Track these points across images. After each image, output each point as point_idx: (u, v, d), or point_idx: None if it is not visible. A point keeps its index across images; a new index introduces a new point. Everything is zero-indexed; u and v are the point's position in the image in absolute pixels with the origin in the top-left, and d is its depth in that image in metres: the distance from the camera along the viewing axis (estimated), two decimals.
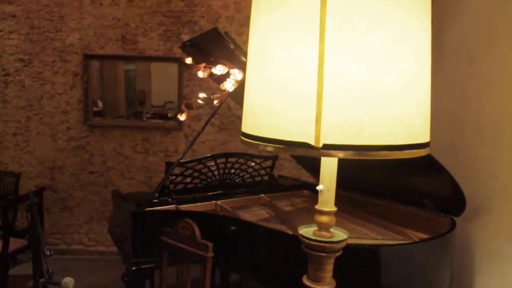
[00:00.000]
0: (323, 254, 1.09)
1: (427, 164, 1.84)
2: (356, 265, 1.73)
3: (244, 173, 2.73)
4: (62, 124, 3.77)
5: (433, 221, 2.08)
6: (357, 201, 2.51)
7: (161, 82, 4.51)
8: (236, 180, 2.72)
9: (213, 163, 2.54)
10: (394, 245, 1.80)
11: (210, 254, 1.68)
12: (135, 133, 3.79)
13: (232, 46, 1.84)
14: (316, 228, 1.13)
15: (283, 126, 0.88)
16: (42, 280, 1.69)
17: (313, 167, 2.89)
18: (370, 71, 0.83)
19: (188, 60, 1.88)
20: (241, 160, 2.65)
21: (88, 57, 3.66)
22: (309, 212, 2.47)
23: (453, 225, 1.94)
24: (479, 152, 2.12)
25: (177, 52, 3.65)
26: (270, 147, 0.92)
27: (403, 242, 1.88)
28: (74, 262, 3.77)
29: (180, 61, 3.63)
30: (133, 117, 4.15)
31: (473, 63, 2.31)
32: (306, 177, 3.60)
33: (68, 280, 1.61)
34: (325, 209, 1.09)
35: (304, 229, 1.14)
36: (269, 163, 2.84)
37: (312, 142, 0.84)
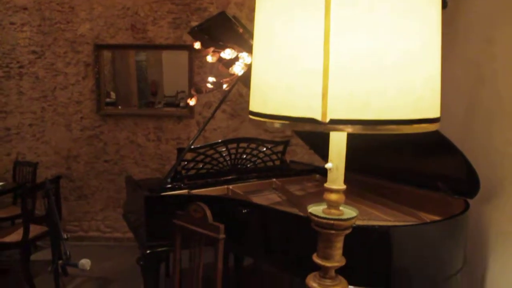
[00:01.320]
0: (332, 232, 1.10)
1: (440, 145, 1.82)
2: (367, 246, 1.74)
3: (256, 158, 2.74)
4: (76, 114, 3.83)
5: (447, 203, 2.06)
6: (369, 184, 2.50)
7: (172, 72, 4.53)
8: (248, 165, 2.74)
9: (225, 149, 2.55)
10: (405, 226, 1.80)
11: (222, 236, 1.70)
12: (147, 122, 3.83)
13: (240, 30, 1.83)
14: (326, 206, 1.14)
15: (290, 102, 0.88)
16: (60, 262, 1.74)
17: (321, 146, 2.89)
18: (376, 44, 0.82)
19: (197, 45, 1.88)
20: (252, 145, 2.67)
21: (99, 47, 3.69)
22: (322, 196, 2.47)
23: (466, 207, 1.92)
24: (495, 133, 2.08)
25: (187, 39, 3.65)
26: (277, 124, 0.92)
27: (413, 223, 1.87)
28: (92, 248, 3.87)
29: (190, 49, 3.63)
30: (146, 108, 4.19)
31: (490, 43, 2.25)
32: (319, 162, 3.59)
33: (85, 261, 1.66)
34: (334, 187, 1.10)
35: (314, 208, 1.15)
36: (280, 148, 2.85)
37: (319, 117, 0.85)
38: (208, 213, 1.75)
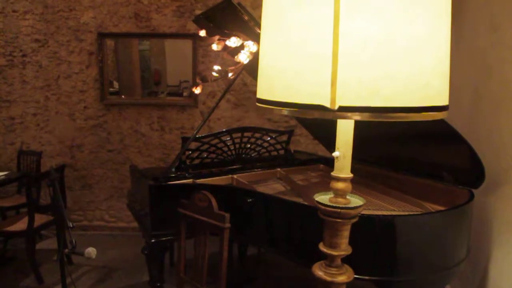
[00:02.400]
0: (339, 220, 1.09)
1: (446, 135, 1.80)
2: (372, 235, 1.74)
3: (260, 148, 2.74)
4: (79, 103, 3.83)
5: (451, 194, 2.06)
6: (374, 174, 2.50)
7: (175, 61, 4.51)
8: (252, 155, 2.73)
9: (229, 138, 2.55)
10: (409, 215, 1.79)
11: (227, 225, 1.70)
12: (151, 111, 3.82)
13: (246, 17, 1.81)
14: (332, 195, 1.13)
15: (298, 89, 0.87)
16: (66, 250, 1.75)
17: (325, 135, 2.88)
18: (384, 30, 0.81)
19: (202, 33, 1.86)
20: (257, 135, 2.66)
21: (102, 36, 3.67)
22: (326, 186, 2.47)
23: (471, 197, 1.91)
24: (501, 123, 2.06)
25: (191, 28, 3.62)
26: (285, 111, 0.91)
27: (418, 213, 1.86)
28: (96, 237, 3.90)
29: (194, 37, 3.60)
30: (149, 97, 4.18)
31: (496, 30, 2.21)
32: (323, 152, 3.58)
33: (91, 250, 1.67)
34: (341, 175, 1.09)
35: (321, 196, 1.14)
36: (285, 137, 2.84)
37: (327, 104, 0.83)
38: (214, 202, 1.75)
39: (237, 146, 2.61)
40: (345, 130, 1.08)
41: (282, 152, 2.85)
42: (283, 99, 0.91)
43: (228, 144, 2.57)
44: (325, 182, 2.57)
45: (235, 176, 2.49)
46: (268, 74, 0.96)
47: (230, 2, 1.74)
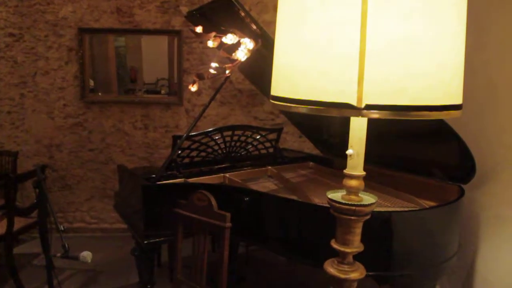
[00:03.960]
0: (353, 218, 1.10)
1: (438, 131, 1.86)
2: (370, 231, 1.76)
3: (250, 146, 2.73)
4: (58, 101, 3.68)
5: (441, 189, 2.12)
6: (367, 171, 2.53)
7: (152, 59, 4.42)
8: (242, 153, 2.72)
9: (219, 136, 2.52)
10: (406, 211, 1.83)
11: (228, 224, 1.69)
12: (134, 109, 3.73)
13: (243, 14, 1.79)
14: (343, 193, 1.14)
15: (323, 87, 0.87)
16: (58, 255, 1.69)
17: (314, 133, 2.90)
18: (410, 30, 0.82)
19: (199, 29, 1.83)
20: (247, 133, 2.64)
21: (83, 31, 3.54)
22: (317, 183, 2.49)
23: (461, 192, 1.97)
24: (487, 122, 2.14)
25: (176, 24, 3.56)
26: (306, 109, 0.90)
27: (414, 209, 1.91)
28: (78, 240, 3.77)
29: (179, 34, 3.54)
30: (126, 95, 4.08)
31: (481, 33, 2.29)
32: (309, 149, 3.62)
33: (86, 254, 1.62)
34: (355, 173, 1.10)
35: (333, 194, 1.14)
36: (274, 135, 2.84)
37: (354, 102, 0.84)
38: (213, 201, 1.73)
39: (228, 144, 2.59)
40: (358, 128, 1.08)
41: (271, 150, 2.85)
42: (305, 97, 0.90)
43: (219, 142, 2.54)
44: (317, 179, 2.59)
45: (227, 175, 2.47)
46: (289, 74, 0.95)
47: None
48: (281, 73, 0.99)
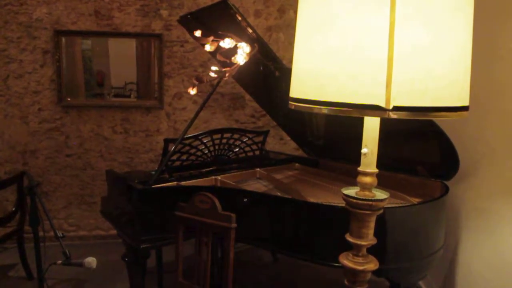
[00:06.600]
0: (368, 212, 1.17)
1: (429, 130, 1.98)
2: None
3: (238, 149, 2.76)
4: (33, 105, 3.54)
5: (424, 186, 2.25)
6: (351, 170, 2.64)
7: (119, 63, 4.32)
8: (230, 156, 2.75)
9: (209, 139, 2.54)
10: (398, 207, 1.94)
11: (233, 225, 1.71)
12: (114, 113, 3.65)
13: (239, 18, 1.83)
14: (356, 190, 1.21)
15: (351, 89, 0.93)
16: (59, 262, 1.65)
17: (299, 134, 2.98)
18: (433, 36, 0.90)
19: (198, 33, 1.85)
20: (235, 136, 2.68)
21: (59, 33, 3.44)
22: (306, 183, 2.56)
23: (446, 187, 2.11)
24: (468, 119, 2.30)
25: (156, 28, 3.53)
26: (332, 110, 0.96)
27: (406, 204, 2.02)
28: (55, 248, 3.63)
29: (160, 38, 3.52)
30: (94, 98, 3.95)
31: None
32: (290, 151, 3.70)
33: (91, 260, 1.60)
34: (369, 170, 1.17)
35: (347, 191, 1.21)
36: (260, 138, 2.89)
37: (383, 104, 0.91)
38: (217, 203, 1.75)
39: (217, 147, 2.61)
40: (372, 128, 1.16)
41: (257, 152, 2.90)
42: (333, 99, 0.96)
43: (208, 145, 2.56)
44: (305, 180, 2.66)
45: (218, 178, 2.49)
46: (313, 76, 1.00)
47: (227, 3, 1.75)
48: (305, 77, 1.04)
